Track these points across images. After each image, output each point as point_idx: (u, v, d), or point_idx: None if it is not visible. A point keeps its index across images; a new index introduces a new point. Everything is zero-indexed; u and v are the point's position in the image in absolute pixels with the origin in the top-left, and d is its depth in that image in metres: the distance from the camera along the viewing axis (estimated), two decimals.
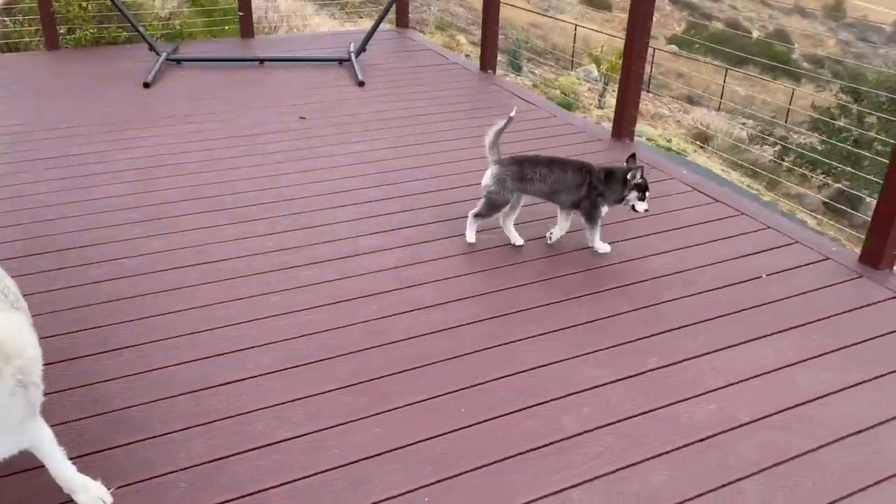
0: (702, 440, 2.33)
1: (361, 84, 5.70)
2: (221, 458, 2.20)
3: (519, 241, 3.48)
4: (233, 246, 3.41)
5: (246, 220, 3.65)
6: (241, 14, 6.88)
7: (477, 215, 3.47)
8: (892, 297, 3.12)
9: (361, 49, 6.33)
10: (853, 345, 2.80)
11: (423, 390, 2.51)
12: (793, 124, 17.26)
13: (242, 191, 3.97)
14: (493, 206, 3.42)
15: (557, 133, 4.79)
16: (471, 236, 3.49)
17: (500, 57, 12.43)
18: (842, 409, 2.47)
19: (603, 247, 3.44)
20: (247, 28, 6.95)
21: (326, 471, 2.17)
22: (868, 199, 11.60)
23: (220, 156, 4.42)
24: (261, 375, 2.57)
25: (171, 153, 4.44)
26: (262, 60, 6.26)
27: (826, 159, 14.08)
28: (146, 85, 5.57)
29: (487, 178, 3.41)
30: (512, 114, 3.46)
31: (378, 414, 2.40)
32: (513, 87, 6.11)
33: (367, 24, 8.96)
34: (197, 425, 2.33)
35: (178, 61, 6.18)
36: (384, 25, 7.07)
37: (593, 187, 3.35)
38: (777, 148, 15.83)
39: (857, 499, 2.12)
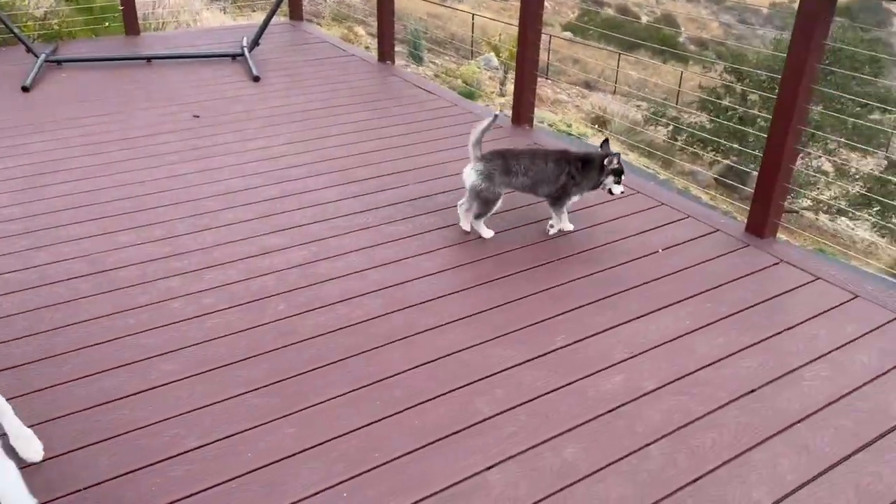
0: (610, 411, 2.42)
1: (257, 79, 5.57)
2: (128, 473, 2.12)
3: (468, 227, 3.51)
4: (128, 253, 3.27)
5: (141, 226, 3.51)
6: (123, 7, 6.57)
7: (477, 216, 3.44)
8: (776, 263, 3.32)
9: (255, 43, 6.17)
10: (743, 310, 2.97)
11: (336, 386, 2.49)
12: (683, 105, 18.05)
13: (136, 195, 3.81)
14: (487, 203, 3.40)
15: (458, 122, 4.83)
16: (486, 233, 3.47)
17: (399, 48, 12.36)
18: (735, 371, 2.62)
19: (568, 225, 3.54)
20: (131, 25, 6.65)
21: (239, 476, 2.12)
22: (754, 174, 12.30)
23: (109, 160, 4.22)
24: (166, 384, 2.48)
25: (57, 159, 4.21)
26: (149, 59, 6.01)
27: (715, 137, 14.81)
28: (25, 89, 5.25)
29: (473, 177, 3.36)
30: (497, 112, 3.51)
31: (291, 414, 2.36)
32: (413, 77, 6.11)
33: (259, 17, 8.74)
34: (99, 441, 2.23)
35: (59, 62, 5.84)
36: (277, 18, 6.92)
37: (570, 176, 3.39)
38: (670, 128, 16.53)
39: (752, 454, 2.25)
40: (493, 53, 16.11)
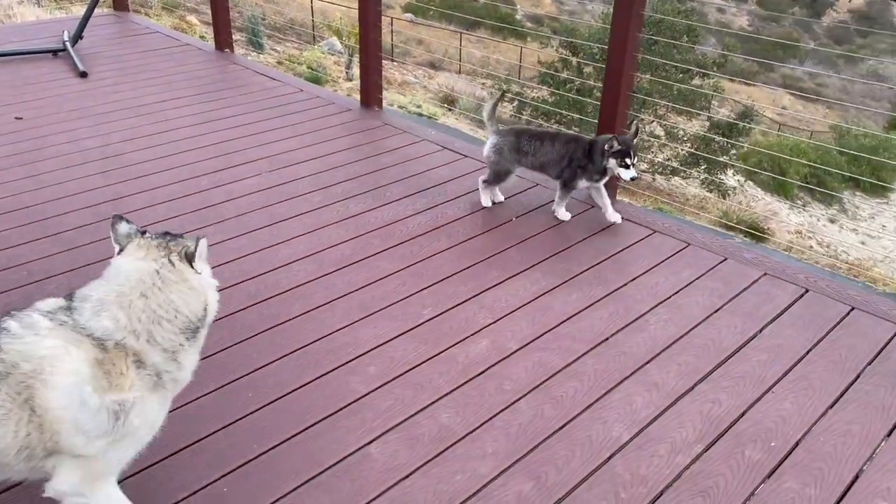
0: (480, 374, 2.53)
1: (84, 75, 5.20)
2: None
3: (488, 203, 3.61)
4: None
5: None
6: None
7: (485, 181, 3.56)
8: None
9: (77, 37, 5.75)
10: (592, 266, 3.19)
11: (207, 383, 2.43)
12: (525, 80, 18.72)
13: None
14: (497, 175, 3.54)
15: (306, 107, 4.78)
16: (485, 201, 3.58)
17: (237, 36, 11.91)
18: (590, 323, 2.81)
19: (564, 214, 3.54)
20: None
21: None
22: None
23: None
24: None
25: None
26: None
27: (557, 109, 15.50)
28: None
29: (487, 148, 3.52)
30: (504, 87, 3.47)
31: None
32: (253, 65, 5.95)
33: (80, 10, 8.13)
34: None
35: None
36: (100, 10, 6.48)
37: (573, 160, 3.43)
38: (515, 104, 17.13)
39: (610, 396, 2.45)
40: (335, 38, 15.91)
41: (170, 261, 1.72)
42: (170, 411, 1.82)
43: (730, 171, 16.56)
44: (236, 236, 3.32)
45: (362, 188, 3.76)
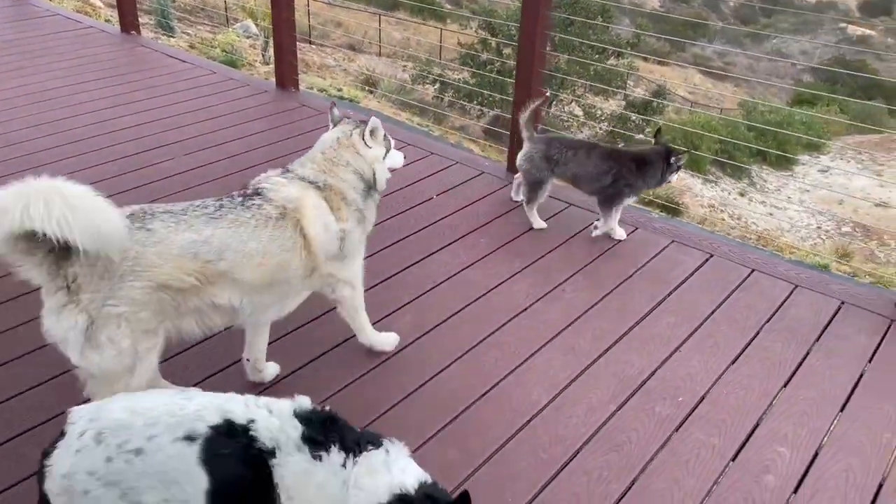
0: (403, 348, 2.58)
1: None
2: None
3: (541, 224, 3.35)
4: None
5: None
6: None
7: (528, 202, 3.31)
8: None
9: None
10: (512, 240, 3.27)
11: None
12: (446, 62, 18.73)
13: None
14: (533, 186, 3.27)
15: (220, 90, 4.68)
16: (537, 223, 3.32)
17: (146, 19, 11.45)
18: (511, 295, 2.89)
19: (620, 233, 3.26)
20: None
21: None
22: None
23: None
24: None
25: None
26: None
27: (479, 89, 15.60)
28: None
29: (520, 158, 3.26)
30: (547, 93, 3.11)
31: None
32: (162, 47, 5.77)
33: None
34: None
35: None
36: None
37: (621, 177, 3.17)
38: (437, 85, 17.11)
39: (529, 362, 2.53)
40: (250, 20, 15.50)
41: (349, 133, 2.31)
42: None
43: None
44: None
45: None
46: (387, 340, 2.54)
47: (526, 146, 3.32)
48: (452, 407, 2.32)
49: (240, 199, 2.07)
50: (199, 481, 1.41)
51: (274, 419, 1.45)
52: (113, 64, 5.08)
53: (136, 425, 1.43)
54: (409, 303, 2.82)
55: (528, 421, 2.29)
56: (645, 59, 23.98)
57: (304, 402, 1.51)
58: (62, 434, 1.44)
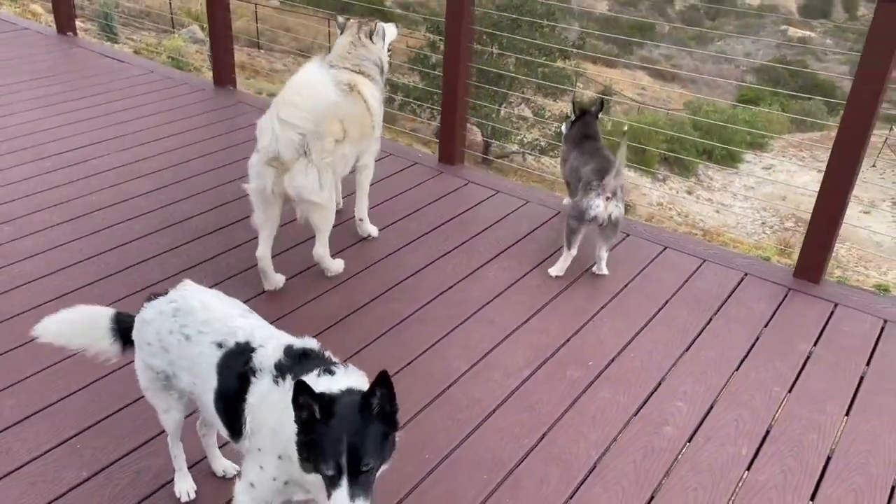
0: (330, 326, 2.69)
1: None
2: None
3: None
4: None
5: None
6: None
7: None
8: (465, 184, 3.81)
9: None
10: (441, 225, 3.41)
11: (54, 354, 2.45)
12: (397, 64, 18.85)
13: None
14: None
15: (157, 88, 4.73)
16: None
17: (89, 25, 11.31)
18: (437, 275, 3.03)
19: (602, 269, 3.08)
20: None
21: None
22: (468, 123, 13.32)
23: None
24: None
25: None
26: None
27: (430, 89, 15.75)
28: None
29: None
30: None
31: (8, 387, 2.30)
32: (99, 47, 5.79)
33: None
34: None
35: None
36: None
37: None
38: (387, 88, 17.22)
39: (451, 335, 2.67)
40: (196, 25, 15.41)
41: (358, 36, 3.10)
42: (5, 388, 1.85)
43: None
44: (85, 214, 3.30)
45: (215, 164, 3.81)
46: (336, 265, 2.99)
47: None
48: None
49: None
50: (211, 381, 1.69)
51: (270, 349, 1.65)
52: (48, 64, 5.08)
53: (198, 318, 1.74)
54: (338, 284, 2.94)
55: (448, 387, 2.42)
56: (594, 62, 24.45)
57: (308, 342, 1.70)
58: (165, 292, 1.81)
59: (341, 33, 3.18)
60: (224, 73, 4.75)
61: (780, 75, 27.44)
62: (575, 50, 17.40)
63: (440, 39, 17.48)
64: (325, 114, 2.61)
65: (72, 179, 3.59)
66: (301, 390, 1.39)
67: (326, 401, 1.41)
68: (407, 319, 2.75)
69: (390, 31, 3.25)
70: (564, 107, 19.47)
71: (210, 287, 2.52)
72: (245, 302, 2.67)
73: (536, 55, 16.99)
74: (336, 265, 2.99)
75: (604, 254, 3.05)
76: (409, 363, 2.53)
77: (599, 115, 3.38)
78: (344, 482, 1.38)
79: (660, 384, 2.48)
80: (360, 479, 1.39)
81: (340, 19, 3.24)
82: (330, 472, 1.39)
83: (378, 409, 1.44)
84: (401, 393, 2.35)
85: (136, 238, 3.15)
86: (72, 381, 2.34)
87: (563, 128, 3.44)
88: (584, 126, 3.31)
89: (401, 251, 3.19)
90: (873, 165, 18.92)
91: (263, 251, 2.84)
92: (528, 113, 18.15)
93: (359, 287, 2.92)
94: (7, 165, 3.68)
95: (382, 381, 1.44)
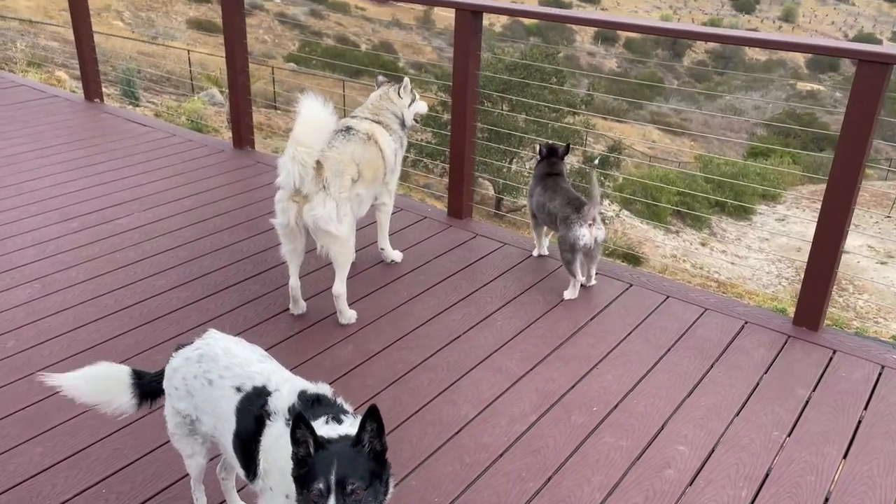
0: (344, 374, 2.80)
1: None
2: None
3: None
4: None
5: None
6: None
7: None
8: (473, 237, 3.95)
9: None
10: (449, 276, 3.53)
11: (78, 406, 2.57)
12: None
13: None
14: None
15: (178, 150, 4.95)
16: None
17: (112, 89, 11.78)
18: (445, 325, 3.14)
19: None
20: None
21: None
22: (479, 179, 13.59)
23: None
24: None
25: None
26: None
27: (441, 148, 16.12)
28: None
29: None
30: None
31: (38, 436, 2.42)
32: (125, 112, 6.05)
33: None
34: None
35: None
36: None
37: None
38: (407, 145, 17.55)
39: (460, 383, 2.76)
40: (215, 88, 15.94)
41: (387, 90, 3.49)
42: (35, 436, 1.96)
43: (605, 201, 17.59)
44: (110, 271, 3.46)
45: (233, 221, 3.98)
46: (350, 313, 3.15)
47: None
48: (390, 422, 2.50)
49: (344, 132, 3.18)
50: (231, 424, 1.80)
51: (285, 393, 1.76)
52: (75, 129, 5.34)
53: (221, 363, 1.85)
54: (351, 334, 3.05)
55: (457, 432, 2.51)
56: (604, 118, 24.87)
57: (322, 388, 1.81)
58: (192, 342, 1.93)
59: (378, 87, 3.54)
60: (243, 134, 4.97)
61: (790, 129, 27.75)
62: (584, 109, 17.77)
63: (451, 99, 18.00)
64: (328, 146, 2.99)
65: (97, 238, 3.76)
66: (299, 424, 1.51)
67: (323, 439, 1.54)
68: (417, 367, 2.85)
69: (421, 106, 3.59)
70: (575, 160, 19.83)
71: None
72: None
73: (546, 112, 17.36)
74: (350, 313, 3.12)
75: (593, 271, 3.43)
76: (419, 410, 2.62)
77: (565, 158, 3.68)
78: (332, 500, 1.48)
79: (662, 429, 2.55)
80: (347, 500, 1.49)
81: (380, 77, 3.61)
82: (320, 486, 1.49)
83: (368, 445, 1.55)
84: (411, 439, 2.48)
85: (157, 293, 3.30)
86: (96, 431, 2.45)
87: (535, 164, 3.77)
88: (550, 165, 3.63)
89: (411, 301, 3.31)
90: (888, 216, 18.96)
91: (294, 280, 3.12)
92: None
93: (371, 336, 3.04)
94: (36, 226, 3.87)
95: (372, 415, 1.54)
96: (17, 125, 5.34)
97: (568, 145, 3.72)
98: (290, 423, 1.68)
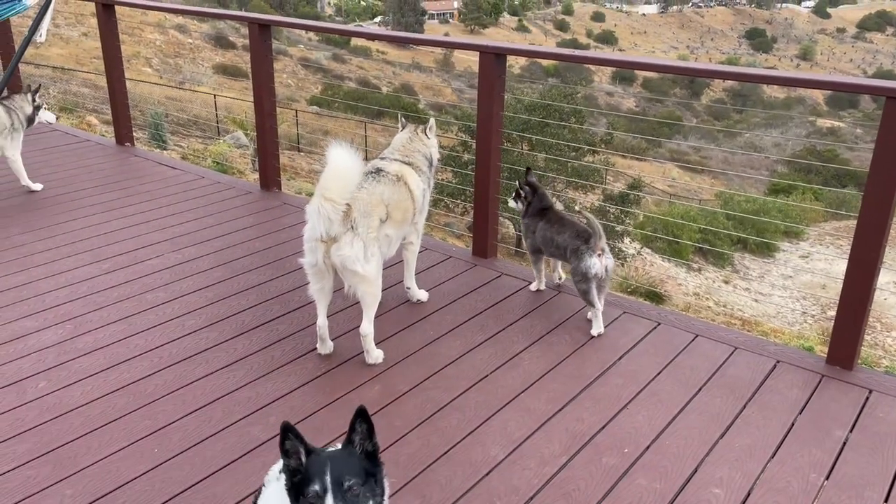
0: (372, 414, 2.77)
1: None
2: None
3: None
4: None
5: None
6: None
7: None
8: (498, 276, 3.95)
9: None
10: (476, 315, 3.53)
11: (111, 444, 2.58)
12: None
13: None
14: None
15: (207, 192, 5.03)
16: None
17: (141, 134, 12.04)
18: (472, 364, 3.13)
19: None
20: None
21: None
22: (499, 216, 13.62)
23: None
24: None
25: None
26: None
27: (461, 187, 16.24)
28: None
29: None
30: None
31: (67, 477, 2.43)
32: (154, 156, 6.18)
33: None
34: None
35: None
36: None
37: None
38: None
39: (488, 423, 2.74)
40: (240, 131, 16.25)
41: (415, 132, 3.53)
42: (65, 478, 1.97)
43: (626, 239, 17.50)
44: (142, 311, 3.50)
45: (262, 262, 4.02)
46: (376, 353, 3.15)
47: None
48: (416, 465, 2.51)
49: (374, 174, 3.21)
50: None
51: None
52: (106, 173, 5.46)
53: None
54: (378, 374, 3.05)
55: (486, 474, 2.48)
56: (623, 157, 24.95)
57: None
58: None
59: (402, 129, 3.58)
60: (270, 176, 5.05)
61: (811, 165, 27.60)
62: (603, 147, 17.84)
63: (471, 139, 18.18)
64: (358, 188, 3.00)
65: (128, 279, 3.81)
66: (287, 434, 1.52)
67: (313, 447, 1.56)
68: (445, 407, 2.84)
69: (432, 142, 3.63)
70: (595, 199, 19.84)
71: (256, 379, 2.70)
72: (289, 392, 2.85)
73: (565, 151, 17.45)
74: (377, 353, 3.12)
75: (602, 299, 3.42)
76: (448, 451, 2.59)
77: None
78: (329, 499, 1.49)
79: (696, 471, 2.50)
80: (345, 497, 1.49)
81: (403, 119, 3.65)
82: (316, 487, 1.49)
83: (360, 447, 1.58)
84: (440, 481, 2.45)
85: (187, 333, 3.33)
86: (125, 472, 2.46)
87: (512, 202, 3.81)
88: (540, 200, 3.73)
89: (438, 341, 3.31)
90: None
91: (322, 319, 3.14)
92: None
93: (398, 376, 3.03)
94: (69, 268, 3.94)
95: (361, 416, 1.55)
96: (50, 169, 5.47)
97: (528, 168, 3.83)
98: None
